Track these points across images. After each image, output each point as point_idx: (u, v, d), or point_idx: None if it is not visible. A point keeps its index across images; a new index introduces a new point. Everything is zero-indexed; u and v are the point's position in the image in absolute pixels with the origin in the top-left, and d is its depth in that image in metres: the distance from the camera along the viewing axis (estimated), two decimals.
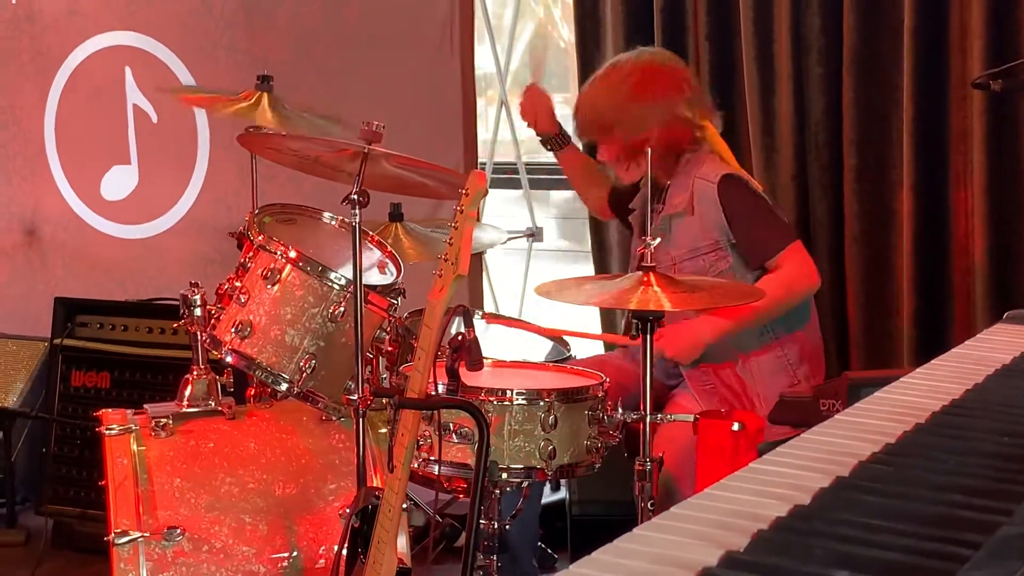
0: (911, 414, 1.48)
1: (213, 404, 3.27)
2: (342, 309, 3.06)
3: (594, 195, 4.02)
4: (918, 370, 1.76)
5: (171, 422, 3.17)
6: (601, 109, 3.54)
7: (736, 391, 3.43)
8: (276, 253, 3.10)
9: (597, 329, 4.70)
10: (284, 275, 3.08)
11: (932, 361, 1.82)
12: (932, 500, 1.16)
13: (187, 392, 3.27)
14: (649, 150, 3.15)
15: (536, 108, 3.90)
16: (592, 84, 3.62)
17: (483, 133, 5.18)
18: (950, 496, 1.16)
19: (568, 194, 6.15)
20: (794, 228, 3.52)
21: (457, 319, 2.65)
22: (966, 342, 1.97)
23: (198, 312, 3.20)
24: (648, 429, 2.86)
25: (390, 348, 3.12)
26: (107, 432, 3.12)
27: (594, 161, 3.90)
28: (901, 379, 1.68)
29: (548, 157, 5.32)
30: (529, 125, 3.96)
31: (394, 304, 3.13)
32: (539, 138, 3.97)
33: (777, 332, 3.47)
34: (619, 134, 3.48)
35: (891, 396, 1.60)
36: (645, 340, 2.87)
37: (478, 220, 3.91)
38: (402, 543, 2.95)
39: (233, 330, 3.09)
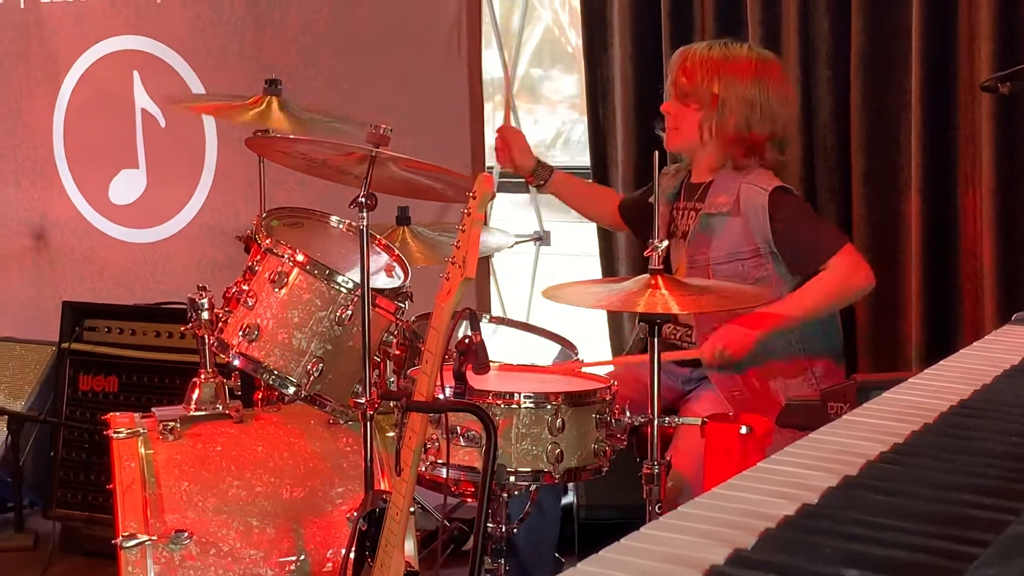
0: (919, 414, 1.47)
1: (220, 407, 3.27)
2: (349, 312, 3.06)
3: (600, 210, 4.01)
4: (926, 371, 1.75)
5: (179, 425, 3.17)
6: (741, 85, 3.45)
7: (760, 394, 3.42)
8: (283, 257, 3.10)
9: (604, 332, 4.70)
10: (291, 279, 3.08)
11: (940, 362, 1.82)
12: (940, 499, 1.15)
13: (195, 396, 3.28)
14: (655, 153, 3.16)
15: (511, 147, 3.83)
16: (732, 55, 3.49)
17: (491, 137, 5.18)
18: (958, 495, 1.16)
19: None
20: (843, 232, 3.51)
21: (464, 323, 2.65)
22: (974, 343, 1.97)
23: (205, 316, 3.20)
24: (656, 432, 2.86)
25: (397, 352, 3.12)
26: (115, 435, 3.13)
27: (584, 180, 3.89)
28: (909, 380, 1.68)
29: (556, 160, 5.32)
30: (505, 166, 3.90)
31: (401, 308, 3.12)
32: (522, 176, 3.89)
33: (808, 349, 3.47)
34: (730, 116, 3.43)
35: (899, 396, 1.60)
36: (653, 342, 2.87)
37: (485, 223, 3.90)
38: (409, 547, 2.95)
39: (240, 333, 3.09)
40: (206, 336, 3.22)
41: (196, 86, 5.21)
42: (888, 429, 1.42)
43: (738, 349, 3.28)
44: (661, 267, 2.91)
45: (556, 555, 3.72)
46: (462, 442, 2.78)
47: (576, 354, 3.62)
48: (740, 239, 3.40)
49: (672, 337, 3.52)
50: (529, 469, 2.79)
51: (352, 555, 2.81)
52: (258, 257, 3.16)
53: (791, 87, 3.57)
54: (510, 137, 3.85)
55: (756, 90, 3.44)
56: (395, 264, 3.31)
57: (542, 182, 3.86)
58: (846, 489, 1.19)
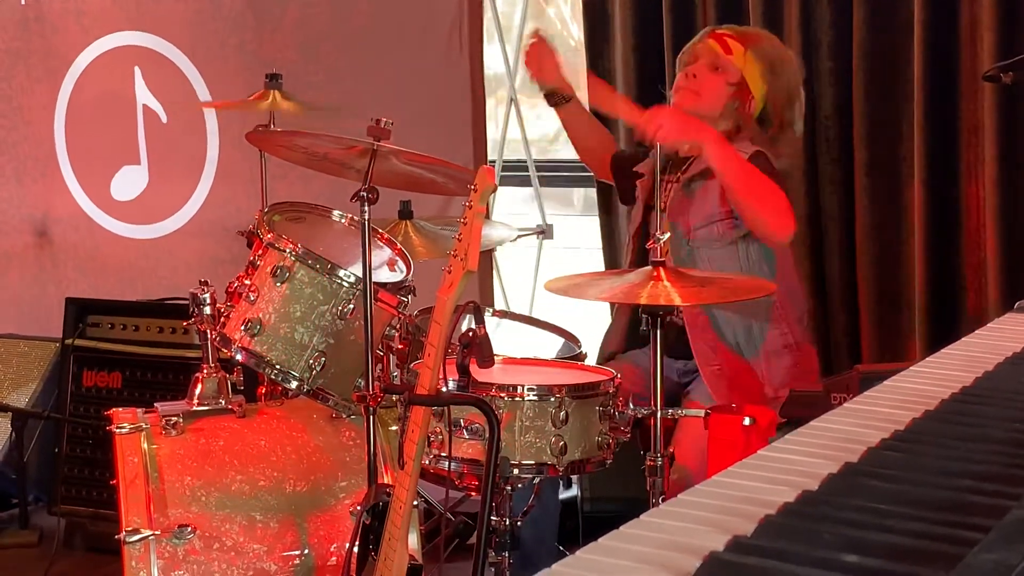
0: (921, 401, 1.47)
1: (223, 402, 3.27)
2: (351, 307, 3.06)
3: (594, 152, 3.98)
4: (928, 359, 1.75)
5: (182, 420, 3.17)
6: (771, 59, 3.53)
7: (743, 372, 3.42)
8: (285, 251, 3.09)
9: (607, 324, 4.69)
10: (293, 273, 3.08)
11: (942, 350, 1.81)
12: (941, 485, 1.15)
13: (197, 391, 3.27)
14: (657, 146, 3.16)
15: (541, 59, 3.76)
16: (762, 35, 3.64)
17: (493, 133, 5.18)
18: (960, 481, 1.16)
19: (579, 191, 6.14)
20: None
21: (468, 316, 2.64)
22: (976, 331, 1.97)
23: (208, 310, 3.20)
24: (659, 424, 2.86)
25: (400, 345, 3.11)
26: (118, 431, 3.12)
27: (597, 119, 3.89)
28: (911, 367, 1.68)
29: (558, 155, 5.30)
30: (533, 76, 3.83)
31: (404, 301, 3.12)
32: (543, 92, 3.83)
33: (796, 337, 3.48)
34: (752, 91, 3.50)
35: (900, 384, 1.59)
36: (655, 336, 2.86)
37: (488, 217, 3.90)
38: (413, 540, 2.94)
39: (243, 328, 3.09)
40: (208, 331, 3.22)
41: (197, 82, 5.21)
42: (889, 416, 1.41)
43: (672, 132, 3.24)
44: (663, 260, 2.91)
45: (559, 546, 3.72)
46: (465, 435, 2.78)
47: (579, 347, 3.62)
48: (717, 200, 3.41)
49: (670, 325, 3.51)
50: (533, 462, 2.79)
51: (356, 549, 2.81)
52: (260, 252, 3.16)
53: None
54: (542, 51, 3.77)
55: (786, 78, 3.53)
56: (397, 258, 3.31)
57: (559, 104, 3.83)
58: (847, 476, 1.19)
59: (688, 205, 3.47)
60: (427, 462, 2.80)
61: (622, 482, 3.71)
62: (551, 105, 3.87)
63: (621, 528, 1.07)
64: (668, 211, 3.48)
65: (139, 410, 3.23)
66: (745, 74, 3.50)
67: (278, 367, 3.08)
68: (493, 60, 5.25)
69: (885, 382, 1.60)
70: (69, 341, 4.63)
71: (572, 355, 3.53)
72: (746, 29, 3.67)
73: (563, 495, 4.14)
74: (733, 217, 3.41)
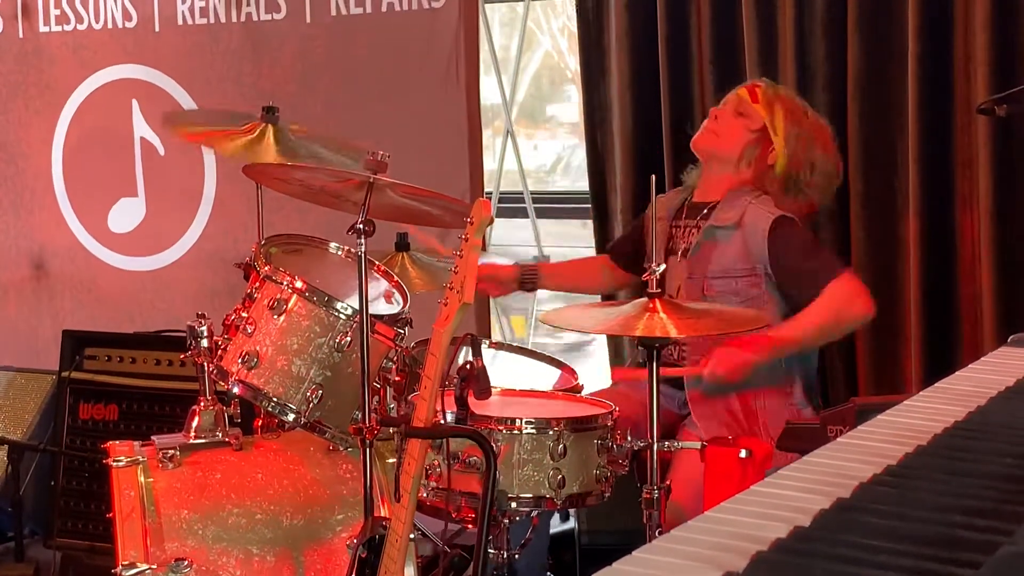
0: (914, 436, 1.47)
1: (220, 435, 3.27)
2: (348, 339, 3.06)
3: (594, 275, 4.04)
4: (921, 393, 1.76)
5: (178, 453, 3.17)
6: (790, 116, 3.58)
7: (739, 417, 3.42)
8: (282, 283, 3.10)
9: (604, 356, 4.70)
10: (290, 305, 3.09)
11: (935, 384, 1.82)
12: (933, 521, 1.15)
13: (194, 423, 3.27)
14: (653, 177, 3.17)
15: (491, 280, 3.85)
16: (798, 99, 3.70)
17: (490, 164, 5.19)
18: (951, 517, 1.16)
19: (575, 222, 6.16)
20: (842, 260, 3.54)
21: (465, 348, 2.65)
22: (970, 365, 1.97)
23: (205, 343, 3.20)
24: (655, 457, 2.86)
25: (397, 378, 3.11)
26: (114, 464, 3.12)
27: (573, 262, 3.95)
28: (904, 402, 1.68)
29: (555, 186, 5.32)
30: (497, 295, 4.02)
31: (401, 334, 3.12)
32: (514, 290, 3.94)
33: (791, 374, 3.48)
34: (773, 140, 3.54)
35: (894, 418, 1.60)
36: (652, 367, 2.87)
37: (484, 248, 3.91)
38: (410, 573, 2.94)
39: (240, 361, 3.09)
40: (205, 364, 3.22)
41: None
42: (882, 451, 1.42)
43: (735, 374, 3.27)
44: (659, 291, 2.92)
45: (549, 574, 3.72)
46: (464, 468, 2.78)
47: (576, 379, 3.62)
48: (737, 256, 3.42)
49: (669, 357, 3.51)
50: (531, 495, 2.79)
51: None
52: (257, 284, 3.16)
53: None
54: (484, 272, 3.86)
55: (811, 147, 3.55)
56: (394, 290, 3.31)
57: (532, 284, 3.90)
58: (838, 511, 1.19)
59: (710, 252, 3.48)
60: (425, 494, 2.80)
61: (620, 514, 3.70)
62: (530, 290, 3.95)
63: (614, 564, 1.07)
64: (690, 255, 3.50)
65: (136, 443, 3.24)
66: (768, 124, 3.53)
67: (275, 400, 3.09)
68: (489, 92, 5.27)
69: (878, 416, 1.60)
70: (66, 373, 4.63)
71: (570, 388, 3.53)
72: (783, 88, 3.71)
73: (560, 528, 4.13)
74: (755, 274, 3.41)
